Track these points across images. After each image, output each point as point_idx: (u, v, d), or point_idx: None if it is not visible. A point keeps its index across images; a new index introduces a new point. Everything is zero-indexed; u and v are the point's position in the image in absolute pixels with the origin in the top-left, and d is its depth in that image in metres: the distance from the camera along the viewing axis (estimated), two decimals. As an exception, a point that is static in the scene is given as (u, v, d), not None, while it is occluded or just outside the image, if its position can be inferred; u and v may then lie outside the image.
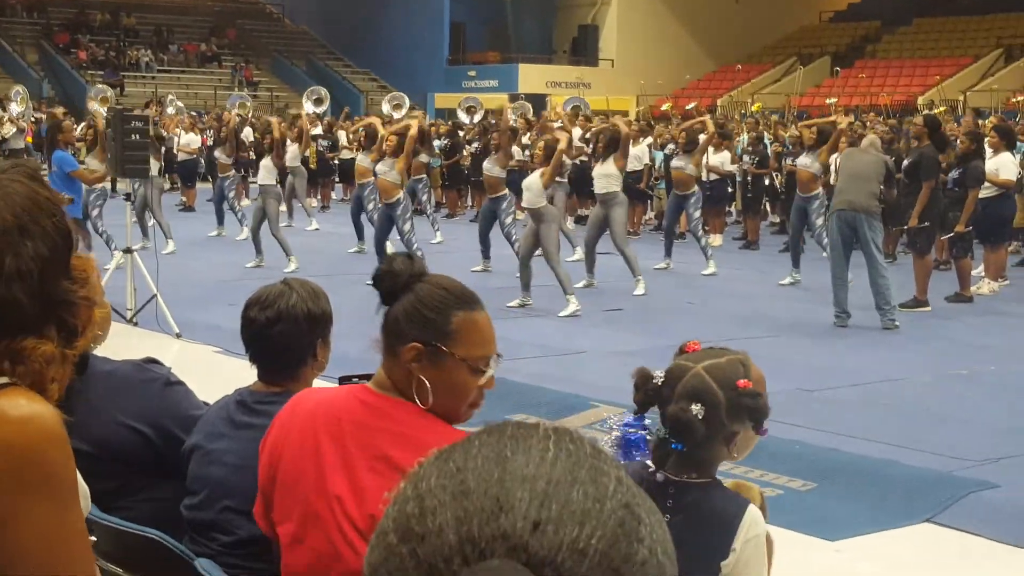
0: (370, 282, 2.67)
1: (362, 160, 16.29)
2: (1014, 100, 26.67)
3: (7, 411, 1.74)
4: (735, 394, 2.62)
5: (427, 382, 2.57)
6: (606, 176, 14.49)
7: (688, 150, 16.51)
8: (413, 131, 15.09)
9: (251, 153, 23.97)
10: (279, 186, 16.91)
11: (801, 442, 7.84)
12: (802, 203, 15.32)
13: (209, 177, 26.70)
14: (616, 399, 8.55)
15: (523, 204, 13.48)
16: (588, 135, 21.32)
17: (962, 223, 13.85)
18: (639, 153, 20.01)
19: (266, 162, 16.44)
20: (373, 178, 15.54)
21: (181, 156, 24.53)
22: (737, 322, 12.54)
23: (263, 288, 3.34)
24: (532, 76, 40.29)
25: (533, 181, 13.14)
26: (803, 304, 13.77)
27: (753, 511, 2.66)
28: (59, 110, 29.84)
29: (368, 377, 2.79)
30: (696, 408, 2.58)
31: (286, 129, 20.21)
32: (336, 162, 26.04)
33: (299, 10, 50.06)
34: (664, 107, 32.84)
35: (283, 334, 3.23)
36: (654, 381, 2.69)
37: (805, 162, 15.30)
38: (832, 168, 15.13)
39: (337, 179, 26.95)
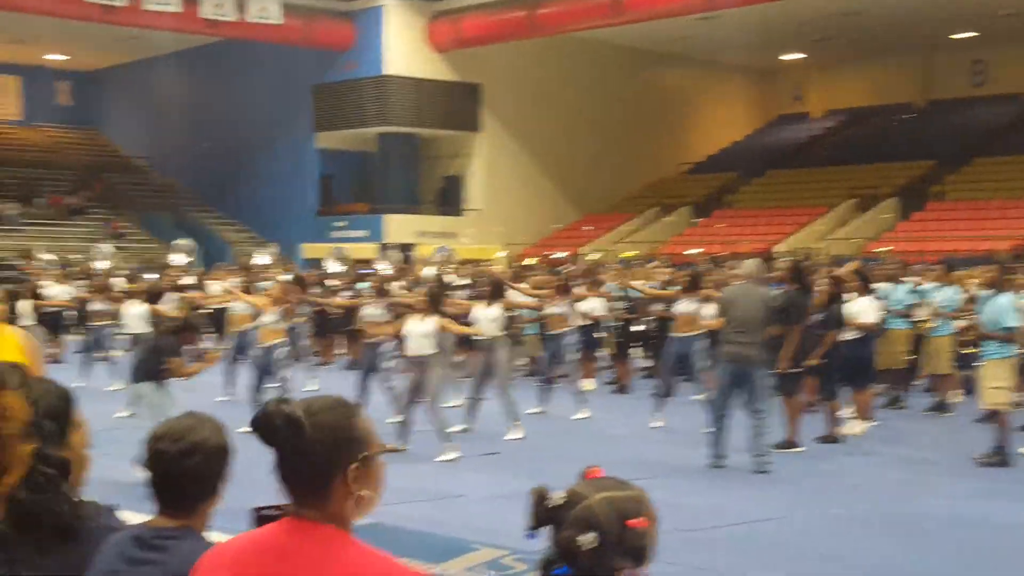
0: (250, 431, 2.64)
1: (240, 310, 16.48)
2: (880, 251, 27.55)
3: None
4: (625, 532, 2.58)
5: (367, 494, 2.65)
6: (490, 320, 14.72)
7: (563, 293, 16.92)
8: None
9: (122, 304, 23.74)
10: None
11: (686, 581, 7.93)
12: (682, 345, 15.80)
13: (83, 328, 26.29)
14: (496, 541, 8.61)
15: (408, 352, 13.42)
16: (466, 282, 21.59)
17: (814, 358, 14.18)
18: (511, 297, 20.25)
19: (139, 310, 16.34)
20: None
21: (49, 309, 24.17)
22: (613, 465, 12.59)
23: (171, 421, 3.30)
24: (400, 226, 40.56)
25: (419, 328, 13.15)
26: (676, 447, 13.94)
27: None
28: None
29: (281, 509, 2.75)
30: (586, 538, 2.55)
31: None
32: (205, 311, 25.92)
33: (166, 163, 49.97)
34: (527, 261, 33.15)
35: (197, 467, 3.21)
36: (547, 502, 2.64)
37: (683, 307, 15.84)
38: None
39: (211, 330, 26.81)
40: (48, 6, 35.26)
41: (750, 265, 13.31)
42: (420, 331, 13.10)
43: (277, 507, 2.75)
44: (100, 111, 54.36)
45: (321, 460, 2.61)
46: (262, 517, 2.73)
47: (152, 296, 16.80)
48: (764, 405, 12.42)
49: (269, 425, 2.61)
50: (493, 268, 16.61)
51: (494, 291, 15.07)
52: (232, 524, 3.23)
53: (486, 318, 14.84)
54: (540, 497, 2.65)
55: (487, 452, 13.54)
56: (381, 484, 2.70)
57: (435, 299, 13.46)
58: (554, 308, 16.89)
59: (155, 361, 11.82)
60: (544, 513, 2.63)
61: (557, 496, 2.65)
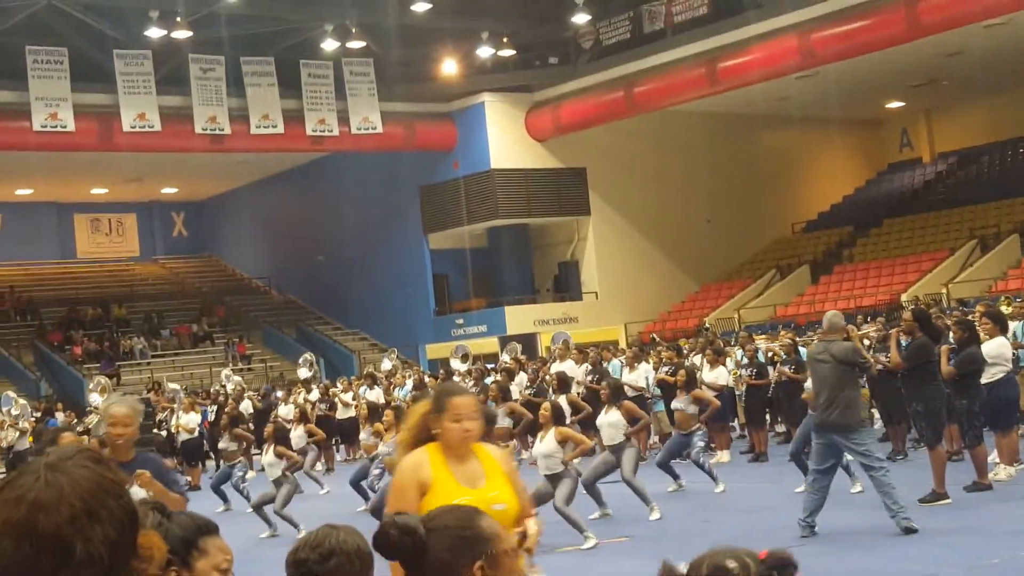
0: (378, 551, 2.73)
1: (365, 438, 16.77)
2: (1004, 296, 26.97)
3: None
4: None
5: None
6: (612, 426, 14.59)
7: (688, 389, 16.61)
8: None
9: (251, 425, 23.98)
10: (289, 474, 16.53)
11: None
12: None
13: (212, 454, 26.64)
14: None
15: (542, 471, 13.38)
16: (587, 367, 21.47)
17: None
18: (636, 378, 20.10)
19: (270, 458, 16.19)
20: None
21: (182, 436, 24.54)
22: (755, 535, 12.38)
23: (309, 533, 3.36)
24: (518, 317, 40.63)
25: (544, 447, 13.24)
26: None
27: None
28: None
29: None
30: None
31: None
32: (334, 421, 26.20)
33: (283, 280, 50.81)
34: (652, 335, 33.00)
35: (337, 568, 3.22)
36: (677, 573, 2.65)
37: None
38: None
39: (339, 439, 27.08)
40: (161, 143, 36.12)
41: (826, 319, 12.65)
42: (545, 450, 13.22)
43: None
44: (215, 237, 55.55)
45: (443, 563, 2.63)
46: None
47: (279, 438, 16.56)
48: (876, 462, 11.74)
49: (385, 538, 2.64)
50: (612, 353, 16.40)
51: (613, 395, 15.03)
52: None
53: (607, 423, 14.75)
54: (668, 571, 2.65)
55: (625, 535, 13.37)
56: None
57: (558, 413, 13.60)
58: (680, 405, 16.64)
59: None
60: None
61: (681, 567, 2.64)
